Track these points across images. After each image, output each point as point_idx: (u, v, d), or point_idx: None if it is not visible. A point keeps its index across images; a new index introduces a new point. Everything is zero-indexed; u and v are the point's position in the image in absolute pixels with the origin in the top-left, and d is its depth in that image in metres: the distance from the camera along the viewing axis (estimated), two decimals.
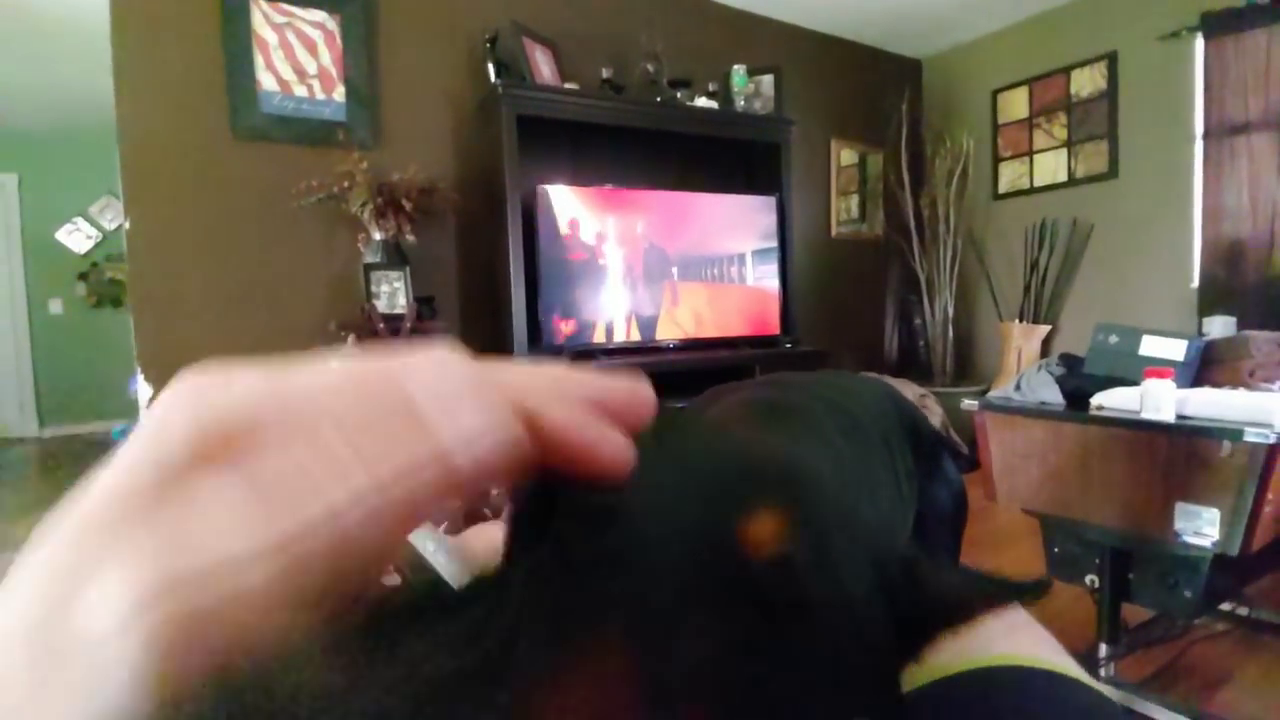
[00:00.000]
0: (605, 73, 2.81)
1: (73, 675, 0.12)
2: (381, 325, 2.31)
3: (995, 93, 3.80)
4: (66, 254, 5.40)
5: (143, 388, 2.22)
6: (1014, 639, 0.42)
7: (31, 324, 5.34)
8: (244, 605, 0.12)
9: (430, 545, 0.49)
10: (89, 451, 4.49)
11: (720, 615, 0.20)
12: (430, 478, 0.15)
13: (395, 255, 2.41)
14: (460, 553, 0.49)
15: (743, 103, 3.15)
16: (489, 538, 0.66)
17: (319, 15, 2.41)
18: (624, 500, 0.21)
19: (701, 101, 3.00)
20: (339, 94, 2.45)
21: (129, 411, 3.05)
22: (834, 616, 0.22)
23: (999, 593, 0.31)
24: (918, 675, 0.39)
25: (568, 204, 2.65)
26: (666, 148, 3.04)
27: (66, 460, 4.48)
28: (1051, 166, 3.59)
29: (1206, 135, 2.99)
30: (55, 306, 5.41)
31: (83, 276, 5.45)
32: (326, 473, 0.14)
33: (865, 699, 0.23)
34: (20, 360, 5.32)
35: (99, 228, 5.46)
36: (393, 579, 0.45)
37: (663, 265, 2.88)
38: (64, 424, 5.38)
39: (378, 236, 2.39)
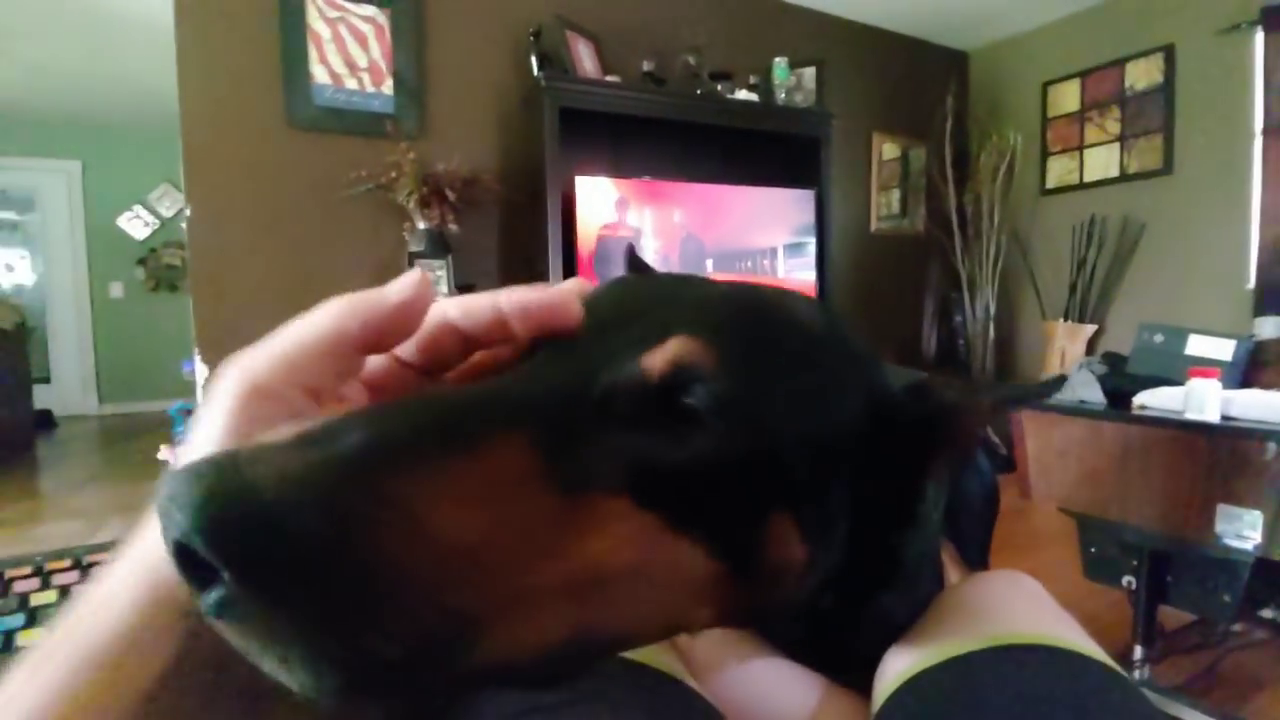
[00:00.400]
0: (647, 65, 2.83)
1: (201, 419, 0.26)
2: None
3: (1045, 85, 3.70)
4: (127, 239, 5.63)
5: (199, 368, 2.32)
6: (1035, 619, 0.44)
7: (93, 306, 5.59)
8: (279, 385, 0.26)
9: None
10: (145, 428, 4.70)
11: (630, 425, 0.24)
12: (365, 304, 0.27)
13: (439, 244, 2.48)
14: None
15: (784, 95, 3.13)
16: None
17: (370, 10, 2.48)
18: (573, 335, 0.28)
19: (742, 94, 3.00)
20: (388, 86, 2.52)
21: (183, 391, 3.18)
22: (756, 435, 0.26)
23: (1007, 394, 0.34)
24: (942, 650, 0.41)
25: (608, 195, 2.68)
26: (707, 140, 3.04)
27: (124, 436, 4.70)
28: (1103, 162, 3.49)
29: (1266, 132, 2.88)
30: (116, 290, 5.65)
31: (141, 261, 5.67)
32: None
33: (793, 501, 0.28)
34: (82, 340, 5.57)
35: (157, 215, 5.67)
36: None
37: (700, 257, 2.90)
38: (122, 402, 5.63)
39: (422, 226, 2.45)
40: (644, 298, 0.30)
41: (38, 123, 5.14)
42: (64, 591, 0.35)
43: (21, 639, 0.31)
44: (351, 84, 2.46)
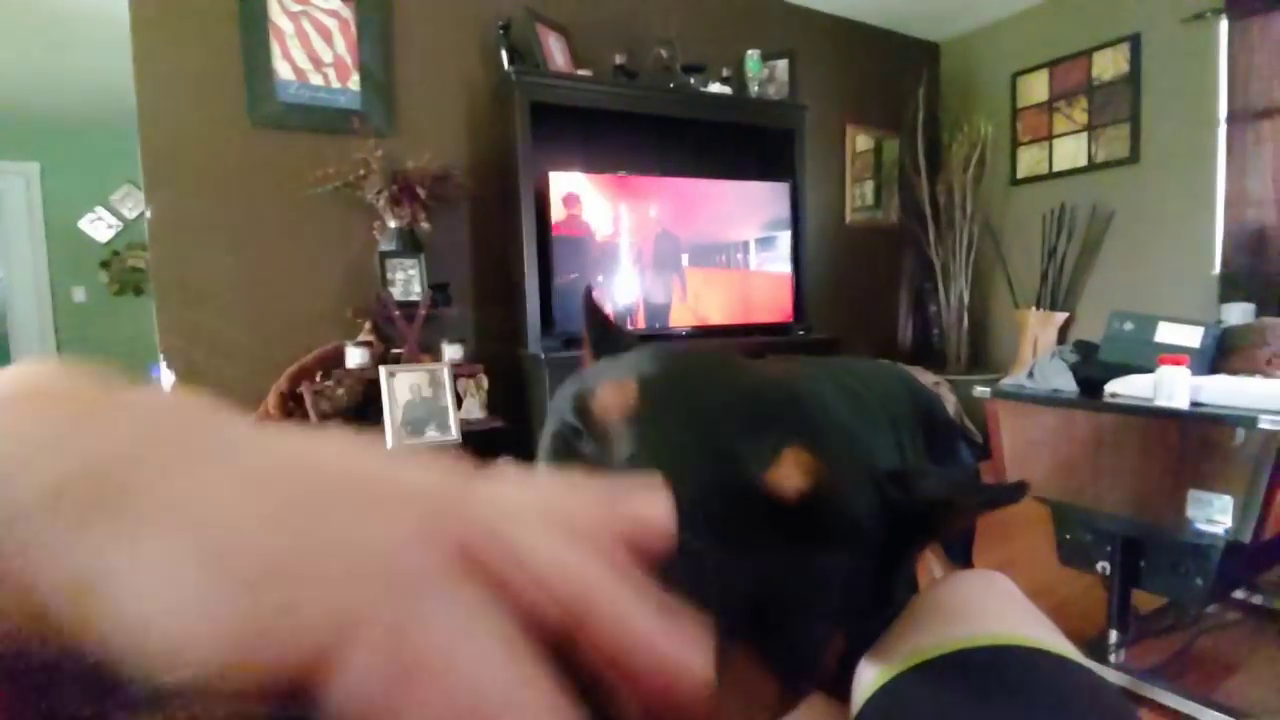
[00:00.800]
0: (618, 59, 2.80)
1: None
2: (396, 312, 2.34)
3: (1015, 76, 3.74)
4: (89, 242, 5.49)
5: (165, 374, 2.26)
6: (1009, 619, 0.43)
7: (55, 311, 5.44)
8: None
9: None
10: None
11: (742, 551, 0.21)
12: None
13: (410, 243, 2.44)
14: None
15: (757, 88, 3.12)
16: None
17: (334, 3, 2.42)
18: (641, 451, 0.23)
19: (715, 87, 2.98)
20: (354, 82, 2.47)
21: None
22: (848, 537, 0.25)
23: (982, 497, 0.34)
24: (916, 654, 0.40)
25: (581, 191, 2.65)
26: (680, 134, 3.03)
27: None
28: (1071, 151, 3.54)
29: (1230, 120, 2.93)
30: (79, 295, 5.50)
31: (105, 265, 5.53)
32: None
33: (869, 605, 0.27)
34: (46, 347, 5.43)
35: (120, 217, 5.54)
36: None
37: (675, 252, 2.88)
38: None
39: (392, 224, 2.41)
40: (705, 389, 0.27)
41: None
42: None
43: None
44: (316, 80, 2.41)
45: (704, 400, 0.26)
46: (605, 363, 0.32)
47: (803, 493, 0.23)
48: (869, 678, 0.41)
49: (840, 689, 0.43)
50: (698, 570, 0.19)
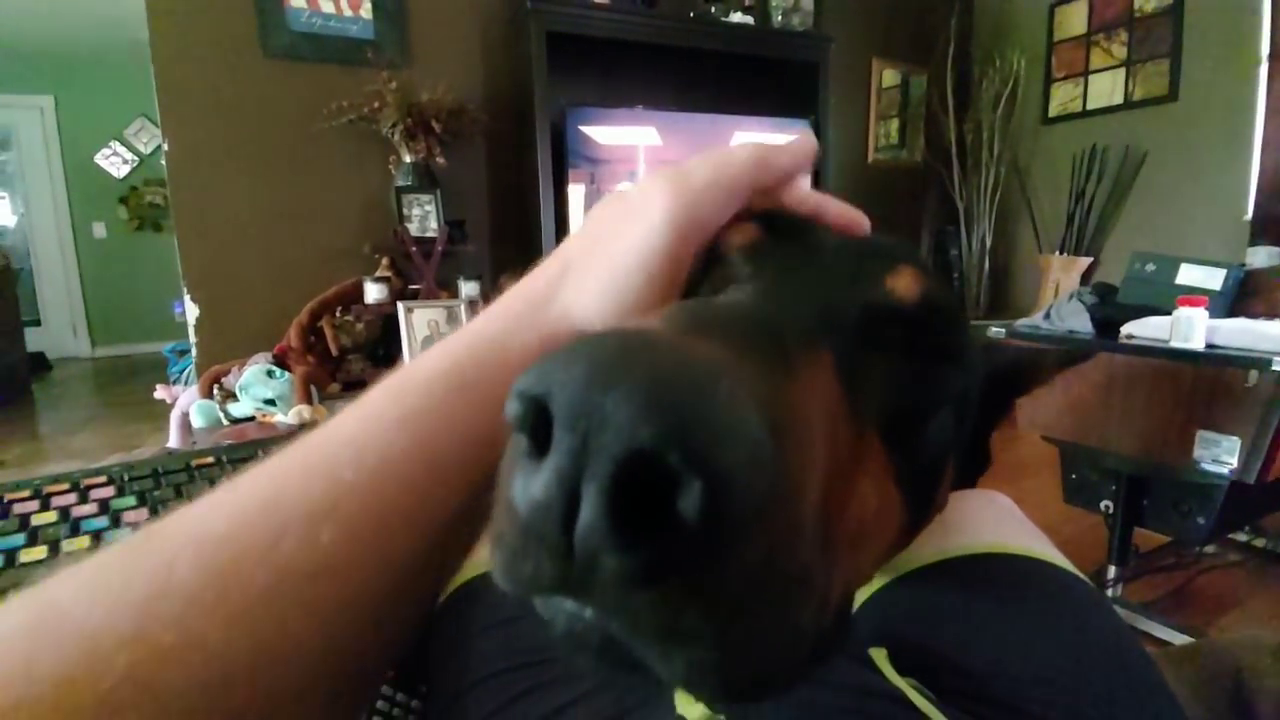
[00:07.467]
0: None
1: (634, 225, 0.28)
2: (414, 248, 2.35)
3: (1053, 7, 3.56)
4: (106, 177, 5.50)
5: (189, 308, 2.30)
6: (1003, 531, 0.45)
7: (77, 247, 5.49)
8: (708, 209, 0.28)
9: None
10: (139, 370, 4.71)
11: (887, 356, 0.23)
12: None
13: (426, 178, 2.42)
14: None
15: (780, 18, 3.01)
16: None
17: None
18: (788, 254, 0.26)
19: (737, 17, 2.88)
20: (366, 10, 2.41)
21: (175, 332, 3.17)
22: (960, 357, 0.27)
23: (1059, 356, 0.39)
24: (917, 558, 0.42)
25: (598, 126, 2.61)
26: (700, 68, 2.94)
27: (119, 378, 4.70)
28: (1107, 88, 3.40)
29: (1272, 58, 2.79)
30: (99, 230, 5.54)
31: (123, 200, 5.55)
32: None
33: (975, 432, 0.31)
34: (70, 282, 5.51)
35: (135, 151, 5.52)
36: None
37: None
38: (114, 344, 5.60)
39: (408, 159, 2.40)
40: (818, 233, 0.29)
41: (6, 56, 4.92)
42: (64, 512, 0.37)
43: (24, 557, 0.33)
44: (327, 7, 2.35)
45: (816, 238, 0.28)
46: None
47: (919, 298, 0.25)
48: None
49: None
50: None
